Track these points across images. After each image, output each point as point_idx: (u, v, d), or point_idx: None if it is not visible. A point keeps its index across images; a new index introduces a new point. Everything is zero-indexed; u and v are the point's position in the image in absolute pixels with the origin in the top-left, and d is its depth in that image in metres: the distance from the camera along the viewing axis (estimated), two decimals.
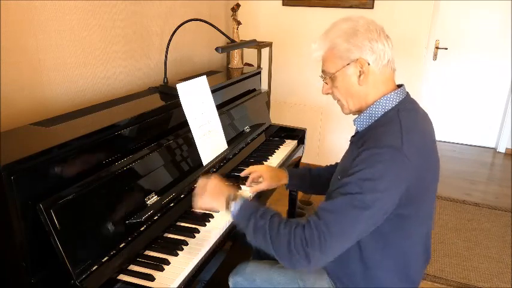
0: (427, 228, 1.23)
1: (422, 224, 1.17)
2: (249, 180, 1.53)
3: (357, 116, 1.19)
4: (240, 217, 1.11)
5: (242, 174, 1.56)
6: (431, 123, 1.21)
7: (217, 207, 1.17)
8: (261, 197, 1.61)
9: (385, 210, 1.04)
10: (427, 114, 1.22)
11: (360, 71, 1.11)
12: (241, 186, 1.57)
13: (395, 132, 1.05)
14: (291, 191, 2.19)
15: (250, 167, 1.56)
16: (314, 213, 1.04)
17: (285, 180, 1.54)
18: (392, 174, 1.01)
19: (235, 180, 1.58)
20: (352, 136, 1.25)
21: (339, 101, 1.21)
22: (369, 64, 1.10)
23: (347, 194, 1.01)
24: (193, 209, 1.25)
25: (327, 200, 1.20)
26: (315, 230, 0.99)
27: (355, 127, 1.21)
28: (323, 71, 1.18)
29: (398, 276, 1.18)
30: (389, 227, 1.07)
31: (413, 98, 1.21)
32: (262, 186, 1.51)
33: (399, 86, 1.18)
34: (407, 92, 1.19)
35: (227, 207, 1.14)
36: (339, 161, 1.50)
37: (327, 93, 1.22)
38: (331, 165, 1.55)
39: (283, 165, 1.87)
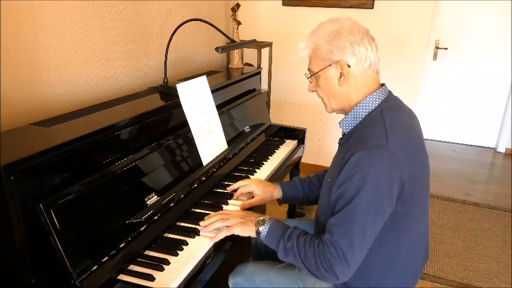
0: (424, 226, 1.24)
1: (419, 220, 1.19)
2: (237, 193, 1.46)
3: (342, 118, 1.21)
4: (270, 241, 1.16)
5: (229, 189, 1.50)
6: (416, 119, 1.24)
7: (247, 235, 1.21)
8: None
9: (387, 208, 1.06)
10: (412, 111, 1.24)
11: (340, 73, 1.15)
12: (228, 202, 1.45)
13: (380, 131, 1.08)
14: None
15: (239, 181, 1.49)
16: (327, 229, 1.08)
17: (277, 194, 1.48)
18: (384, 173, 1.03)
19: (220, 197, 1.48)
20: (340, 138, 1.27)
21: (322, 99, 1.25)
22: (349, 66, 1.13)
23: (347, 205, 1.04)
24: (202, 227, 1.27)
25: (323, 203, 1.21)
26: (332, 248, 1.04)
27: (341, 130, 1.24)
28: (308, 69, 1.22)
29: (396, 274, 1.18)
30: (386, 224, 1.09)
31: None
32: (255, 201, 1.43)
33: (381, 85, 1.20)
34: (390, 91, 1.21)
35: (257, 232, 1.18)
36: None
37: (312, 91, 1.25)
38: (323, 171, 1.52)
39: (283, 165, 1.87)
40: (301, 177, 1.55)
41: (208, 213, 1.37)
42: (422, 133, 1.23)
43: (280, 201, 1.52)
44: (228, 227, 1.22)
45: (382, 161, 1.03)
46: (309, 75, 1.22)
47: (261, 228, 1.17)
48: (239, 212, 1.28)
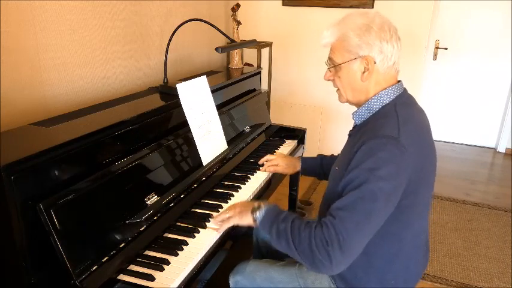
0: (426, 222, 1.25)
1: (421, 214, 1.19)
2: (266, 165, 1.70)
3: (355, 110, 1.22)
4: (264, 224, 1.15)
5: (260, 161, 1.74)
6: (427, 117, 1.24)
7: (247, 223, 1.21)
8: (262, 196, 1.61)
9: (394, 199, 1.05)
10: (423, 110, 1.25)
11: (365, 68, 1.14)
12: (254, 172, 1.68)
13: (393, 124, 1.08)
14: (291, 191, 2.21)
15: (267, 155, 1.74)
16: (329, 213, 1.06)
17: (298, 166, 1.68)
18: (394, 162, 1.03)
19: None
20: (351, 130, 1.28)
21: (338, 90, 1.24)
22: (375, 63, 1.13)
23: (355, 189, 1.03)
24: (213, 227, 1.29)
25: (329, 191, 1.21)
26: (332, 229, 1.01)
27: (353, 120, 1.24)
28: (329, 58, 1.21)
29: (398, 270, 1.18)
30: (389, 217, 1.08)
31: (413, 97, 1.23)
32: (279, 169, 1.69)
33: (397, 81, 1.21)
34: (405, 88, 1.22)
35: (254, 219, 1.18)
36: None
37: (328, 80, 1.25)
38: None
39: None
40: (324, 157, 1.65)
41: (209, 213, 1.37)
42: (431, 132, 1.23)
43: (301, 173, 1.70)
44: (228, 218, 1.24)
45: (393, 151, 1.03)
46: (330, 65, 1.21)
47: (256, 214, 1.16)
48: (241, 203, 1.29)
